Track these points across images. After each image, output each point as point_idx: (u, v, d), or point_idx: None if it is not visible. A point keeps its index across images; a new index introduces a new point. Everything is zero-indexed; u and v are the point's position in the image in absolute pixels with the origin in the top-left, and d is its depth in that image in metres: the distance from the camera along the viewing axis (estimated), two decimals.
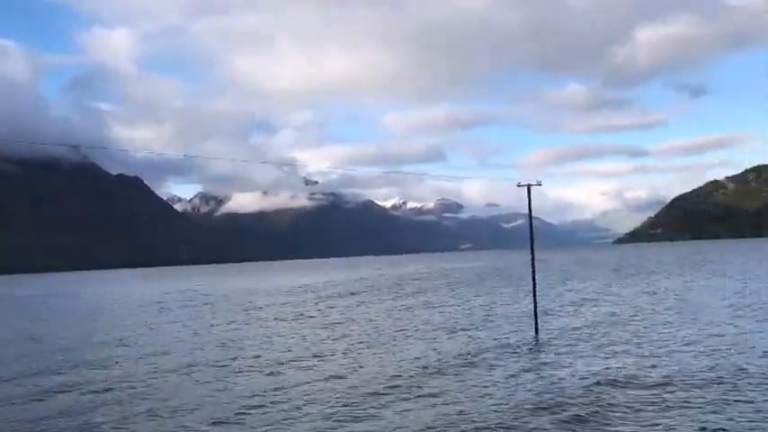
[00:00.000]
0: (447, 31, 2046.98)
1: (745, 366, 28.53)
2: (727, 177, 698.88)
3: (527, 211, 43.41)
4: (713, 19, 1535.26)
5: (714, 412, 21.74)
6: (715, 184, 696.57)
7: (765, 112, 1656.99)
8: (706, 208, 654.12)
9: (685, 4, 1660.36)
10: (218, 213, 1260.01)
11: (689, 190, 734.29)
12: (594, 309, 56.37)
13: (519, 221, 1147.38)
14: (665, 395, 24.23)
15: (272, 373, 32.31)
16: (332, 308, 70.36)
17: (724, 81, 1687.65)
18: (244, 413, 24.38)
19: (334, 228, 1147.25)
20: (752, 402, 22.70)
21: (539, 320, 43.84)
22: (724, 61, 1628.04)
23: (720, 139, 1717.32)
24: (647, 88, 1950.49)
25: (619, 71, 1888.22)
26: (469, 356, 34.48)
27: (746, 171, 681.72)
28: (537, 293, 45.26)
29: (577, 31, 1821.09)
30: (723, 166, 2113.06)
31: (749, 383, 25.38)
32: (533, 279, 44.64)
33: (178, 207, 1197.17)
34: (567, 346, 36.95)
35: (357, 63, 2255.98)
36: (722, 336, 37.57)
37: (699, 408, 22.44)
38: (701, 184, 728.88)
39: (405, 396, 25.88)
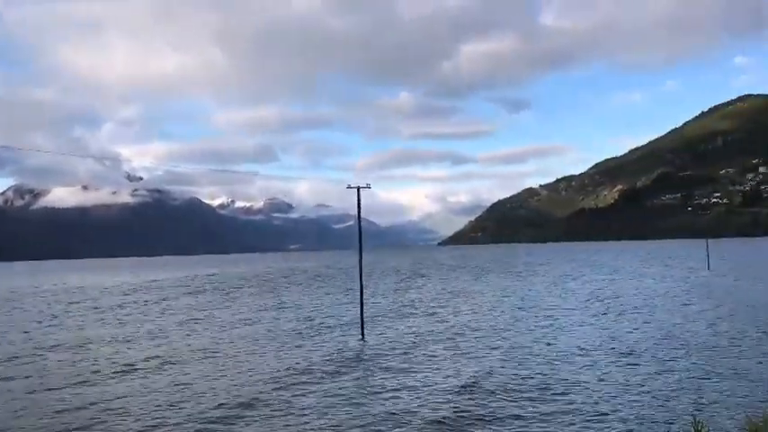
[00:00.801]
0: (281, 35, 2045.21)
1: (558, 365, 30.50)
2: (540, 185, 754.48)
3: (357, 212, 43.46)
4: (533, 39, 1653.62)
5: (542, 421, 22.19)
6: (530, 192, 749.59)
7: (577, 126, 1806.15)
8: (522, 213, 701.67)
9: (507, 24, 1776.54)
10: (35, 207, 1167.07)
11: (507, 196, 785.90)
12: (418, 309, 57.56)
13: (349, 222, 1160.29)
14: (492, 402, 24.46)
15: (84, 385, 29.99)
16: (151, 311, 67.15)
17: (542, 96, 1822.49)
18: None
19: (159, 225, 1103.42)
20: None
21: (366, 325, 43.44)
22: (543, 78, 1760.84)
23: (537, 150, 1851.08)
24: (472, 100, 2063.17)
25: (446, 82, 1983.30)
26: (296, 368, 32.69)
27: (558, 180, 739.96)
28: (363, 295, 44.72)
29: (408, 43, 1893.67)
30: (539, 174, 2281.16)
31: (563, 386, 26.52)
32: (360, 282, 44.38)
33: None
34: (392, 352, 36.41)
35: (189, 60, 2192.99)
36: (540, 342, 38.56)
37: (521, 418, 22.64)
38: (518, 191, 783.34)
39: (230, 414, 24.23)
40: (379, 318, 52.35)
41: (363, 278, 45.48)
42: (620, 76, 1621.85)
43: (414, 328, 45.57)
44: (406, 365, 32.22)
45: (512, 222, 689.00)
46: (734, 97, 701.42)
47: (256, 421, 23.18)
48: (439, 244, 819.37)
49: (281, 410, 24.30)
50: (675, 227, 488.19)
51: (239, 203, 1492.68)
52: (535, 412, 23.03)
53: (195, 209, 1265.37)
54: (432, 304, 63.16)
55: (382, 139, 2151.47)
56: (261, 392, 27.35)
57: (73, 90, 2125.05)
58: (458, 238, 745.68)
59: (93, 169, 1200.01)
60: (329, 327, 48.20)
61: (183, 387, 28.74)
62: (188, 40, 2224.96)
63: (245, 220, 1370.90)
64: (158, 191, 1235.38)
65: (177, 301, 79.41)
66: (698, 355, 32.64)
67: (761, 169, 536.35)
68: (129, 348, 40.76)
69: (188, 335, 46.25)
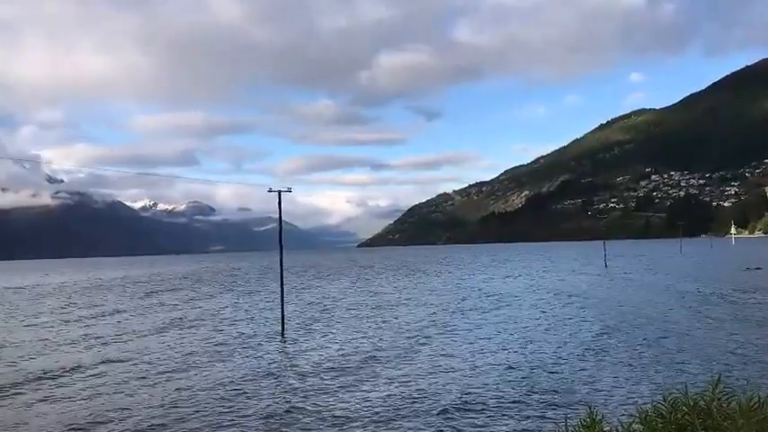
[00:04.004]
0: (204, 42, 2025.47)
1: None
2: (454, 191, 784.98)
3: (278, 215, 43.71)
4: (446, 52, 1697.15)
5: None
6: (444, 197, 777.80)
7: (489, 135, 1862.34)
8: (437, 217, 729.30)
9: (421, 37, 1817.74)
10: None
11: (423, 200, 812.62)
12: (336, 311, 58.01)
13: (270, 225, 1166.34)
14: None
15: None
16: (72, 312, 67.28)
17: (455, 106, 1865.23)
18: None
19: (82, 227, 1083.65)
20: None
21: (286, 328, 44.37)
22: (455, 89, 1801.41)
23: (451, 157, 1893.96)
24: (389, 108, 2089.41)
25: (365, 91, 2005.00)
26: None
27: (470, 186, 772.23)
28: (283, 295, 45.38)
29: (328, 53, 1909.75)
30: (453, 180, 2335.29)
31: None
32: (281, 280, 45.35)
33: None
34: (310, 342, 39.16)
35: (112, 64, 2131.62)
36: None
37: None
38: (433, 195, 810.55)
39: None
40: (299, 325, 49.64)
41: (281, 276, 46.32)
42: (526, 89, 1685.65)
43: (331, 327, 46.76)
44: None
45: (428, 225, 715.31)
46: (629, 111, 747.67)
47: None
48: (358, 246, 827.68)
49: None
50: (577, 229, 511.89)
51: (161, 206, 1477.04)
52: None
53: (117, 211, 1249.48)
54: (348, 302, 66.84)
55: (303, 145, 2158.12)
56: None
57: None
58: (376, 241, 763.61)
59: (11, 171, 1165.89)
60: (251, 322, 51.05)
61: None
62: (110, 43, 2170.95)
63: (167, 222, 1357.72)
64: (80, 193, 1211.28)
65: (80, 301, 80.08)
66: (595, 345, 34.94)
67: (653, 177, 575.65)
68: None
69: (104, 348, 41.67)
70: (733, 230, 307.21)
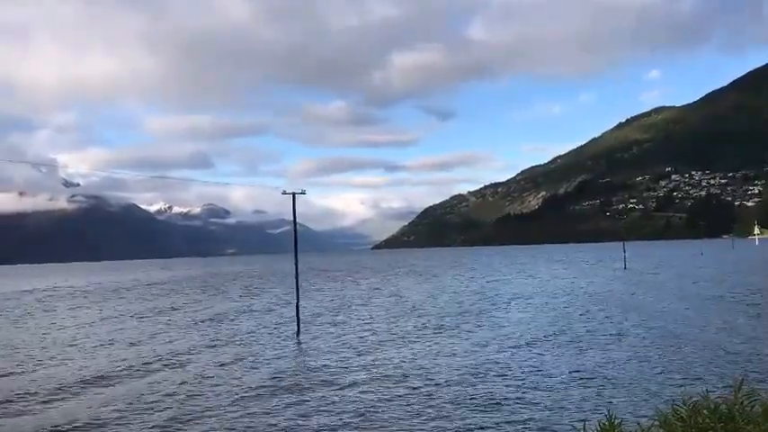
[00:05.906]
0: (214, 42, 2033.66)
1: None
2: (469, 192, 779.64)
3: (292, 217, 44.34)
4: (459, 50, 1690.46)
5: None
6: (459, 198, 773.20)
7: (503, 134, 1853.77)
8: (451, 218, 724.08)
9: (434, 36, 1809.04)
10: None
11: (437, 202, 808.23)
12: (350, 319, 55.15)
13: (285, 227, 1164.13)
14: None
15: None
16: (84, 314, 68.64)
17: (469, 106, 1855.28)
18: None
19: (98, 231, 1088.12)
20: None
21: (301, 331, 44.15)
22: (469, 88, 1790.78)
23: (465, 158, 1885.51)
24: (401, 109, 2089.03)
25: (377, 92, 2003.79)
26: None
27: (485, 187, 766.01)
28: (298, 298, 45.55)
29: (338, 53, 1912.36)
30: (467, 181, 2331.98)
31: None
32: (296, 283, 45.35)
33: None
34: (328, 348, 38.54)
35: (122, 66, 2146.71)
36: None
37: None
38: (447, 197, 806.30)
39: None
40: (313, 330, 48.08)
41: (296, 278, 45.96)
42: (539, 87, 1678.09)
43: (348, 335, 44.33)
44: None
45: (443, 227, 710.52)
46: (647, 109, 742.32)
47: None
48: (372, 248, 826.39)
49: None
50: (595, 230, 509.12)
51: (177, 209, 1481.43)
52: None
53: (133, 214, 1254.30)
54: (362, 308, 64.90)
55: (316, 147, 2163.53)
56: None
57: (5, 96, 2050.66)
58: (391, 243, 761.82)
59: (29, 176, 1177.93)
60: (265, 327, 49.92)
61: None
62: (120, 47, 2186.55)
63: (182, 225, 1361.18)
64: (96, 197, 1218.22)
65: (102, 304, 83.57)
66: (613, 346, 35.06)
67: (673, 176, 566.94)
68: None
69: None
70: (756, 231, 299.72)
